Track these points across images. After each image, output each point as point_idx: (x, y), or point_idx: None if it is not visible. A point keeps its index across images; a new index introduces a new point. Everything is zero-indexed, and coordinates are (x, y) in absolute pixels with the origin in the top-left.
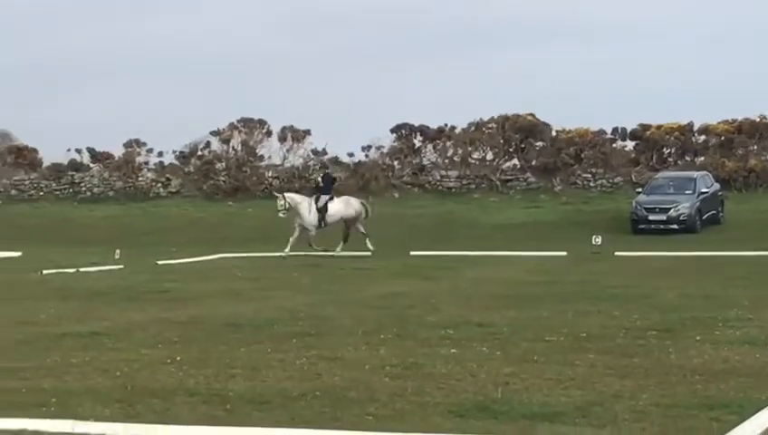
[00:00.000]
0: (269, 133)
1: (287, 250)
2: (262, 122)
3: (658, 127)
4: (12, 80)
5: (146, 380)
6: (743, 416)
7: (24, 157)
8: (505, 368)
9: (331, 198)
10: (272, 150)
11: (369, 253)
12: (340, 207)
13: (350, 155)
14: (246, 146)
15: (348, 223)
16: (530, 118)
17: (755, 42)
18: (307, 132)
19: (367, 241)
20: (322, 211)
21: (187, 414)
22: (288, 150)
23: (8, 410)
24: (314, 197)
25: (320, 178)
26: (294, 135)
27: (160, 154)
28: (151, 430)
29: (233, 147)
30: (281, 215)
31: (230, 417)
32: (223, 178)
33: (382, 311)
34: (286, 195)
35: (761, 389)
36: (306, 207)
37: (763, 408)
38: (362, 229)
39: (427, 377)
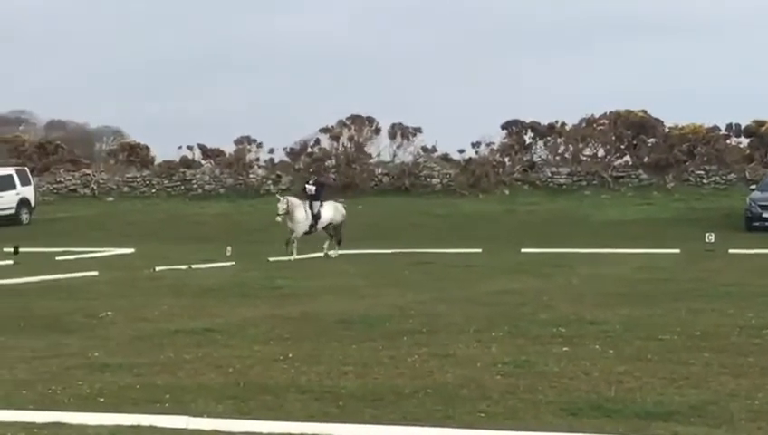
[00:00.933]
0: (378, 130)
1: (293, 254)
2: (371, 119)
3: None
4: (124, 79)
5: (258, 376)
6: None
7: (137, 154)
8: (619, 366)
9: (321, 205)
10: (381, 147)
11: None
12: (330, 212)
13: (461, 151)
14: (355, 143)
15: (336, 227)
16: (642, 114)
17: None
18: (417, 129)
19: (336, 246)
20: (316, 217)
21: (299, 411)
22: (398, 147)
23: (123, 406)
24: (308, 202)
25: (311, 186)
26: (404, 132)
27: (271, 151)
28: (264, 427)
29: (342, 144)
30: (278, 219)
31: (342, 414)
32: (332, 175)
33: (494, 308)
34: (289, 198)
35: None
36: (302, 212)
37: None
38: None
39: (540, 375)
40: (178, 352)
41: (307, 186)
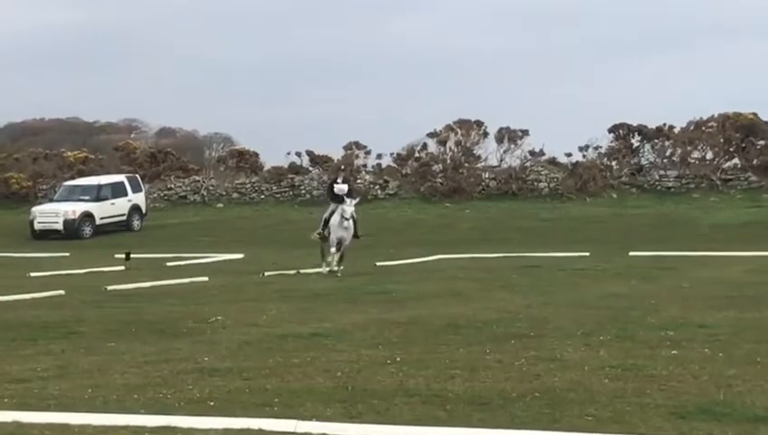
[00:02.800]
0: (485, 134)
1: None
2: (478, 123)
3: None
4: (233, 85)
5: (366, 380)
6: None
7: (246, 160)
8: (728, 370)
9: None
10: (488, 151)
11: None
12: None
13: (568, 155)
14: (463, 147)
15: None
16: (751, 117)
17: None
18: (525, 132)
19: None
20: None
21: (407, 414)
22: (505, 151)
23: (232, 410)
24: (337, 206)
25: (342, 184)
26: (511, 136)
27: (379, 156)
28: (372, 430)
29: (449, 148)
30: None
31: (450, 417)
32: (440, 180)
33: (602, 312)
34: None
35: None
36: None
37: None
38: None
39: (648, 378)
40: (287, 356)
41: (336, 185)
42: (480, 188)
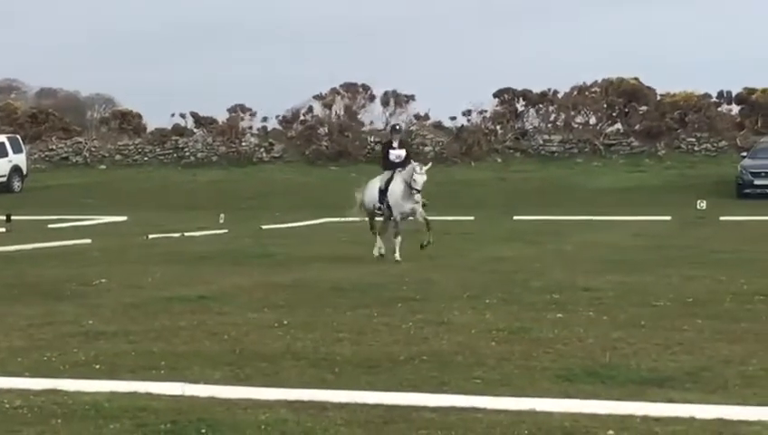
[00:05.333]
0: (372, 98)
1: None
2: (365, 87)
3: (764, 90)
4: (115, 45)
5: (254, 343)
6: None
7: (129, 122)
8: (613, 333)
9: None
10: (374, 115)
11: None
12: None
13: (453, 119)
14: (349, 111)
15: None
16: (634, 82)
17: None
18: (410, 97)
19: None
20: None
21: (294, 378)
22: (390, 115)
23: (119, 373)
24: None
25: (399, 150)
26: (397, 100)
27: (264, 119)
28: (260, 393)
29: (335, 111)
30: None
31: (338, 380)
32: (325, 143)
33: (487, 275)
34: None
35: None
36: (400, 184)
37: None
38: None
39: (534, 341)
40: (173, 319)
41: (392, 151)
42: (366, 151)
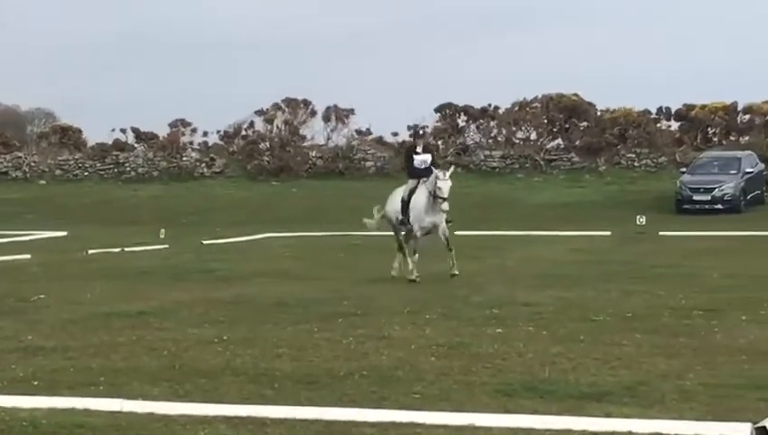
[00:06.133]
0: (313, 113)
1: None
2: (306, 102)
3: (703, 107)
4: (56, 59)
5: (193, 359)
6: None
7: (69, 137)
8: (552, 348)
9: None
10: (315, 130)
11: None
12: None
13: (395, 134)
14: (290, 126)
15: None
16: (574, 98)
17: None
18: (351, 112)
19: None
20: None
21: (234, 393)
22: (332, 130)
23: (57, 389)
24: (416, 183)
25: (423, 155)
26: (338, 115)
27: (205, 134)
28: (199, 409)
29: (276, 126)
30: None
31: (277, 396)
32: (267, 158)
33: (428, 291)
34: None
35: None
36: (424, 196)
37: None
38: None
39: (474, 357)
40: (112, 335)
41: (416, 156)
42: (307, 166)
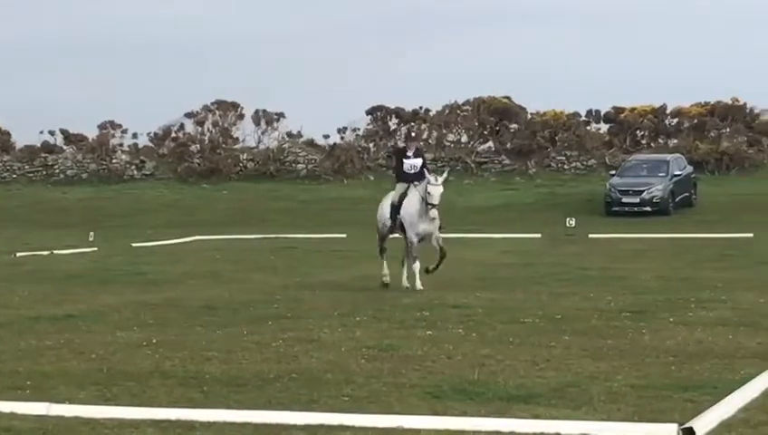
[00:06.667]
0: (242, 116)
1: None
2: (235, 105)
3: (632, 110)
4: None
5: (121, 362)
6: (716, 397)
7: None
8: (481, 350)
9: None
10: (246, 133)
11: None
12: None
13: (326, 137)
14: (220, 128)
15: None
16: (505, 101)
17: (726, 24)
18: (281, 115)
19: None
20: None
21: (163, 397)
22: (262, 133)
23: None
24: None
25: (415, 158)
26: (268, 118)
27: (134, 136)
28: (127, 413)
29: (207, 129)
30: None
31: (206, 399)
32: (197, 161)
33: (358, 293)
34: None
35: (734, 370)
36: (416, 203)
37: (736, 389)
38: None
39: (404, 359)
40: (40, 338)
41: (406, 160)
42: (238, 169)
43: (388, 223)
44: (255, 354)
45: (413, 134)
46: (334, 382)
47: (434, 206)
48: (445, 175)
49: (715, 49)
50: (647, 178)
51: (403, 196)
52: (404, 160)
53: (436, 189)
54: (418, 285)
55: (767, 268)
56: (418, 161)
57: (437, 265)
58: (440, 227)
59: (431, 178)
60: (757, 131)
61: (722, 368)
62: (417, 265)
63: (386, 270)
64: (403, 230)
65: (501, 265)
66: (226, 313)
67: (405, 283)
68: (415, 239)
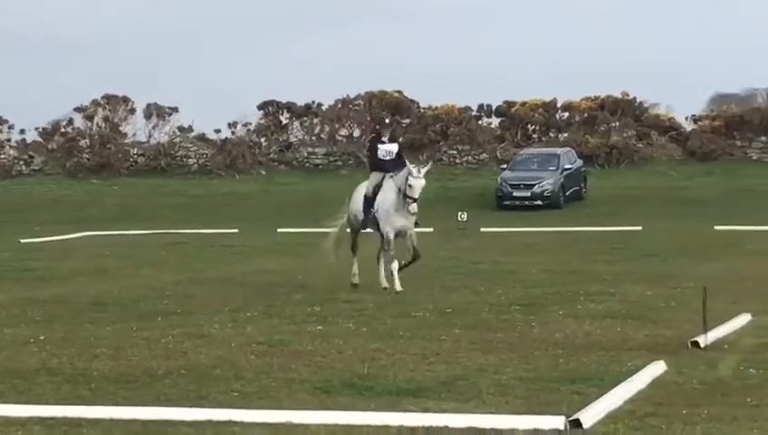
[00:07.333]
0: (133, 110)
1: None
2: (126, 99)
3: (523, 104)
4: None
5: (8, 360)
6: (603, 389)
7: None
8: (372, 344)
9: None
10: (137, 128)
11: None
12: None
13: (217, 132)
14: (110, 123)
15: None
16: (397, 95)
17: (616, 20)
18: (174, 109)
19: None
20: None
21: (50, 394)
22: (153, 127)
23: None
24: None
25: (390, 143)
26: (159, 112)
27: (22, 131)
28: (13, 410)
29: (97, 124)
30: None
31: (94, 396)
32: (87, 156)
33: (249, 288)
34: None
35: (621, 362)
36: (394, 194)
37: (623, 380)
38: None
39: (294, 354)
40: None
41: (381, 145)
42: (128, 164)
43: (361, 216)
44: (144, 351)
45: (387, 120)
46: (223, 378)
47: (414, 200)
48: (428, 167)
49: (604, 43)
50: (537, 172)
51: (378, 187)
52: (378, 147)
53: (417, 182)
54: (398, 286)
55: (655, 261)
56: (394, 147)
57: (407, 265)
58: (416, 224)
59: (413, 169)
60: (646, 125)
61: (609, 360)
62: (395, 265)
63: (356, 269)
64: (376, 225)
65: None
66: (115, 309)
67: (383, 283)
68: (391, 235)
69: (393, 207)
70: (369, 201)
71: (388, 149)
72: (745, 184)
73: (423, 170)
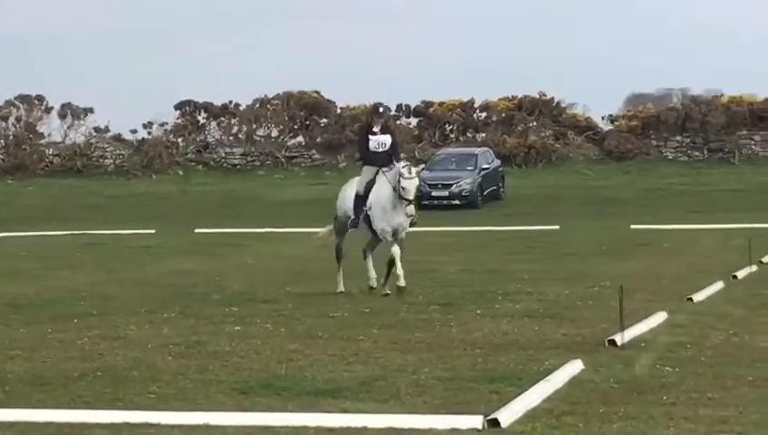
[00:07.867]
0: (48, 110)
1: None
2: (40, 99)
3: (441, 104)
4: None
5: None
6: (521, 388)
7: None
8: (290, 344)
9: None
10: (52, 128)
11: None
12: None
13: (133, 132)
14: (25, 123)
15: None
16: (315, 95)
17: (533, 20)
18: (89, 110)
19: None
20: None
21: None
22: (69, 128)
23: None
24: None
25: (382, 134)
26: (75, 112)
27: None
28: None
29: (11, 124)
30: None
31: (8, 399)
32: (1, 157)
33: (166, 289)
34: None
35: (539, 361)
36: (388, 188)
37: (540, 379)
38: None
39: (211, 355)
40: None
41: (373, 137)
42: (44, 164)
43: (351, 214)
44: (60, 352)
45: (380, 109)
46: (140, 380)
47: (410, 202)
48: (421, 167)
49: (521, 43)
50: (455, 171)
51: (371, 183)
52: (370, 137)
53: (411, 183)
54: (401, 281)
55: (572, 260)
56: (387, 138)
57: (387, 278)
58: (413, 223)
59: (404, 170)
60: (564, 125)
61: (527, 359)
62: (399, 265)
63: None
64: (369, 224)
65: (311, 259)
66: (30, 310)
67: (372, 283)
68: (388, 236)
69: (390, 205)
70: (362, 199)
71: (380, 141)
72: (661, 183)
73: (415, 170)
